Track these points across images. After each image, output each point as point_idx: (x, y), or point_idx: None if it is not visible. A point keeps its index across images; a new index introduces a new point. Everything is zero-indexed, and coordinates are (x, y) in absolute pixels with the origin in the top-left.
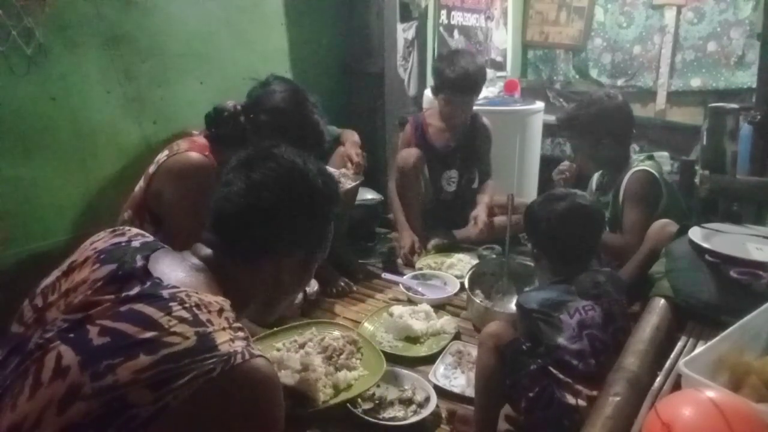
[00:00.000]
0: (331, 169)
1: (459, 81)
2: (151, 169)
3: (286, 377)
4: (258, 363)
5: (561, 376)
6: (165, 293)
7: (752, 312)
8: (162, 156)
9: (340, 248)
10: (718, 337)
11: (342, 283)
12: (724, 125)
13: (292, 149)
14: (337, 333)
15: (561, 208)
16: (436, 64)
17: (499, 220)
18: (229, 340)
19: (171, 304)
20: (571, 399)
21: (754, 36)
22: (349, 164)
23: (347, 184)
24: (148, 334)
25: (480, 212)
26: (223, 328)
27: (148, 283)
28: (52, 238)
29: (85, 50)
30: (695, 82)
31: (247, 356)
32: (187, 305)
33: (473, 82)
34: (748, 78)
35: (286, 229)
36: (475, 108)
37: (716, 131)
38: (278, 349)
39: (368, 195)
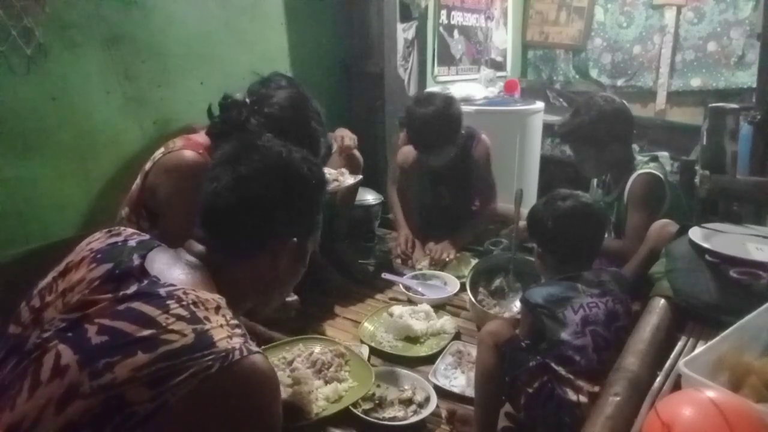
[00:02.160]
0: (329, 169)
1: (419, 141)
2: (147, 165)
3: None
4: (256, 359)
5: (563, 371)
6: (162, 291)
7: (752, 312)
8: (158, 153)
9: (340, 248)
10: (718, 337)
11: (342, 283)
12: (724, 125)
13: (276, 139)
14: (324, 347)
15: (566, 206)
16: (408, 105)
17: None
18: (227, 336)
19: (168, 302)
20: (572, 395)
21: (754, 36)
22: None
23: (346, 182)
24: (146, 332)
25: (444, 243)
26: (221, 326)
27: (145, 282)
28: (52, 238)
29: (85, 50)
30: (695, 82)
31: (245, 353)
32: (184, 303)
33: (433, 143)
34: (748, 78)
35: (277, 220)
36: (475, 111)
37: (716, 131)
38: None
39: (368, 195)
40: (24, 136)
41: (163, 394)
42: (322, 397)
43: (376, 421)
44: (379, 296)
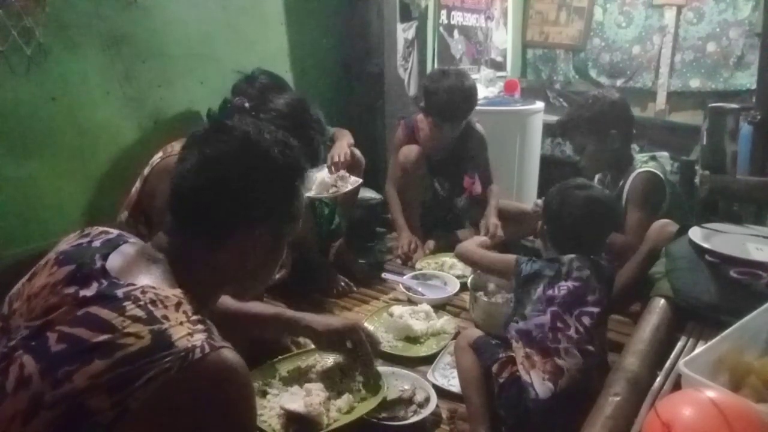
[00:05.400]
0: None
1: (446, 110)
2: (146, 170)
3: (291, 402)
4: (220, 355)
5: (524, 348)
6: (119, 293)
7: (752, 312)
8: (156, 158)
9: (340, 248)
10: (718, 337)
11: (342, 283)
12: (724, 125)
13: (250, 120)
14: (339, 357)
15: (575, 195)
16: (425, 83)
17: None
18: (186, 334)
19: (125, 303)
20: (533, 376)
21: (754, 36)
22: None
23: (345, 188)
24: (103, 338)
25: (489, 218)
26: (181, 323)
27: (105, 284)
28: (52, 238)
29: (85, 50)
30: (694, 83)
31: (207, 349)
32: (141, 303)
33: (460, 111)
34: (747, 79)
35: (244, 205)
36: (475, 111)
37: (716, 131)
38: (281, 376)
39: (368, 195)
40: (24, 136)
41: (124, 400)
42: (335, 409)
43: (376, 421)
44: (379, 296)
